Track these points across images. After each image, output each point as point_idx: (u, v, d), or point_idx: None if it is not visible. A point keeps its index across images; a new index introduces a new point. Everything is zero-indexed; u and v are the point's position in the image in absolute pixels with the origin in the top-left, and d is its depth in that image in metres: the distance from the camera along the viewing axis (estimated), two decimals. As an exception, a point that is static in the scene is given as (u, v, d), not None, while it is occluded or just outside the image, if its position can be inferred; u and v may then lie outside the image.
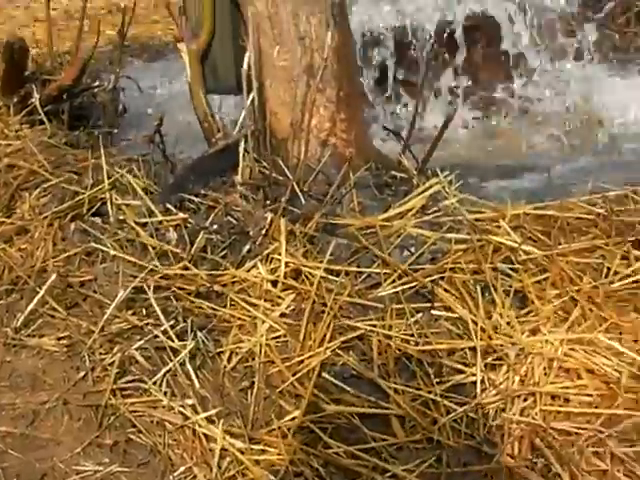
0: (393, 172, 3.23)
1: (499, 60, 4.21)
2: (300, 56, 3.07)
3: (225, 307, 2.60)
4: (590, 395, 2.24)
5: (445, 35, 3.97)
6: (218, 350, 2.48)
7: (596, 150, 3.89)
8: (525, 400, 2.24)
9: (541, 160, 3.78)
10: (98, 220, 3.00)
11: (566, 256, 2.69)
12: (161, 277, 2.69)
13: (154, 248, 2.82)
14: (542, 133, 3.99)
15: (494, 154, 3.81)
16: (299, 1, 3.05)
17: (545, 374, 2.28)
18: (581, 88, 4.37)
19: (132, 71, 5.09)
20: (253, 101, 3.07)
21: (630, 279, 2.61)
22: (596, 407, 2.21)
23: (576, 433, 2.15)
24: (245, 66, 2.97)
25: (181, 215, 2.92)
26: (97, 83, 4.23)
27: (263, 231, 2.77)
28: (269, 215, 2.80)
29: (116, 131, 3.84)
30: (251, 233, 2.77)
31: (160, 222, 2.93)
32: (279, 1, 3.05)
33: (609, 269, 2.64)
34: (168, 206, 2.96)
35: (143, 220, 2.94)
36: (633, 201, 2.93)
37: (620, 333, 2.44)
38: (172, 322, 2.53)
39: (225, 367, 2.43)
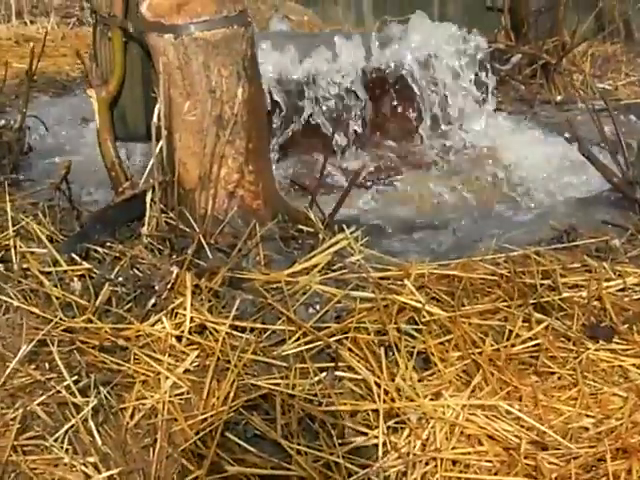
0: (300, 226, 3.24)
1: (406, 114, 4.26)
2: (210, 108, 3.07)
3: (129, 362, 2.58)
4: (490, 461, 2.26)
5: (352, 88, 4.00)
6: (121, 406, 2.45)
7: (501, 207, 3.95)
8: (426, 465, 2.25)
9: (447, 215, 3.82)
10: (1, 268, 2.95)
11: (469, 318, 2.73)
12: (65, 330, 2.66)
13: (58, 298, 2.79)
14: (448, 188, 4.04)
15: (400, 209, 3.84)
16: (211, 53, 3.05)
17: (447, 439, 2.31)
18: (487, 142, 4.45)
19: (38, 107, 5.04)
20: (162, 151, 3.06)
21: (531, 342, 2.66)
22: (495, 474, 2.24)
23: (476, 500, 2.17)
24: (155, 117, 2.97)
25: (86, 265, 2.90)
26: (2, 122, 4.17)
27: (169, 285, 2.75)
28: (175, 269, 2.78)
29: (22, 177, 3.77)
30: (157, 287, 2.75)
31: (65, 272, 2.89)
32: (191, 52, 3.05)
33: (511, 332, 2.69)
34: (73, 255, 2.93)
35: (47, 269, 2.90)
36: (535, 262, 2.99)
37: (520, 398, 2.48)
38: (75, 377, 2.49)
39: (128, 424, 2.40)
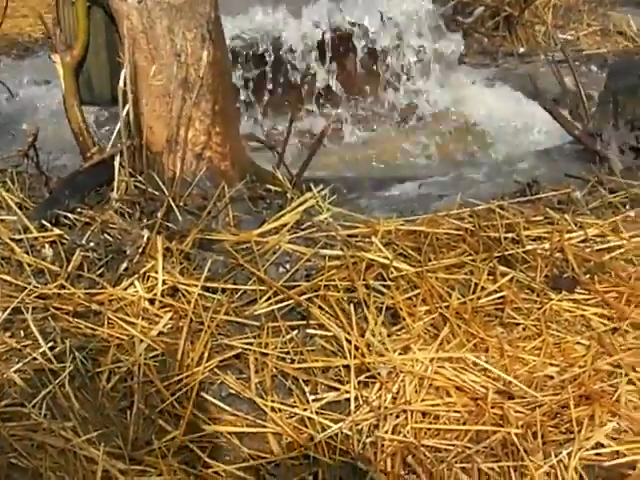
0: (268, 185, 3.28)
1: (371, 70, 4.29)
2: (176, 71, 3.09)
3: (103, 326, 2.61)
4: (458, 412, 2.33)
5: (318, 46, 4.02)
6: (97, 370, 2.49)
7: (465, 161, 4.00)
8: (397, 417, 2.32)
9: (413, 170, 3.87)
10: (-29, 237, 2.98)
11: (436, 272, 2.79)
12: (38, 297, 2.69)
13: (30, 265, 2.82)
14: (413, 142, 4.08)
15: (367, 165, 3.89)
16: (175, 16, 3.07)
17: (416, 392, 2.37)
18: (451, 96, 4.48)
19: (1, 70, 5.03)
20: (128, 115, 3.08)
21: (496, 295, 2.72)
22: (464, 424, 2.30)
23: (445, 450, 2.24)
24: (121, 82, 2.99)
25: (57, 231, 2.92)
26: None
27: (140, 249, 2.79)
28: (146, 233, 2.82)
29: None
30: (128, 251, 2.79)
31: (35, 238, 2.92)
32: (154, 16, 3.07)
33: (476, 285, 2.75)
34: (43, 222, 2.95)
35: (18, 237, 2.93)
36: (499, 216, 3.04)
37: (487, 349, 2.55)
38: (51, 344, 2.53)
39: (104, 387, 2.44)
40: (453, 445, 2.23)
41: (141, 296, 2.70)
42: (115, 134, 3.15)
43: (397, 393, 2.37)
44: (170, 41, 3.09)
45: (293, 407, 2.39)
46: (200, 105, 3.15)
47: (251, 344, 2.56)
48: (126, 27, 3.06)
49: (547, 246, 2.92)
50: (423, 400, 2.35)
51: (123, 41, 3.08)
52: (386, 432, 2.28)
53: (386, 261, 2.78)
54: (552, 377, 2.46)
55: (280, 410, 2.37)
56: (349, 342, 2.51)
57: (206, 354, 2.52)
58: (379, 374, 2.41)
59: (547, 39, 6.08)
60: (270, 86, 4.01)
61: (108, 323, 2.63)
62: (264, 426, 2.33)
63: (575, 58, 5.17)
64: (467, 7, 6.01)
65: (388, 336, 2.54)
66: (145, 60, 3.11)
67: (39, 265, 2.82)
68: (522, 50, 5.85)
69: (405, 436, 2.26)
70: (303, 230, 3.01)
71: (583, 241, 2.96)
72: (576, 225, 3.03)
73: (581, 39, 6.30)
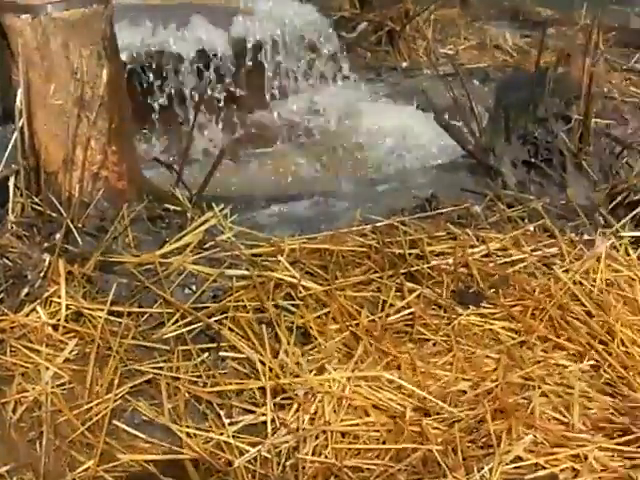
0: (166, 205, 3.23)
1: (260, 87, 4.27)
2: (72, 89, 3.02)
3: (6, 354, 2.53)
4: (378, 431, 2.33)
5: (209, 62, 3.98)
6: (2, 400, 2.41)
7: (360, 177, 4.01)
8: (317, 439, 2.30)
9: (308, 187, 3.86)
10: None
11: (344, 290, 2.79)
12: (-63, 324, 2.60)
13: None
14: (307, 159, 4.08)
15: (263, 182, 3.87)
16: (70, 33, 3.00)
17: (334, 412, 2.36)
18: (341, 111, 4.50)
19: None
20: (23, 134, 3.00)
21: (405, 311, 2.74)
22: (384, 443, 2.30)
23: (368, 469, 2.23)
24: (18, 101, 2.91)
25: (-49, 255, 2.82)
26: None
27: (42, 274, 2.71)
28: (47, 257, 2.75)
29: None
30: (29, 276, 2.71)
31: None
32: (49, 32, 2.98)
33: (385, 302, 2.76)
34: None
35: None
36: (402, 232, 3.06)
37: (399, 366, 2.55)
38: (-45, 373, 2.44)
39: (11, 418, 2.37)
40: (375, 465, 2.23)
41: (44, 322, 2.63)
42: (7, 154, 3.05)
43: (315, 414, 2.36)
44: (65, 58, 3.01)
45: (209, 432, 2.35)
46: (96, 124, 3.08)
47: (162, 369, 2.52)
48: (19, 44, 2.97)
49: (451, 261, 2.94)
50: (342, 420, 2.34)
51: (16, 58, 2.98)
52: (306, 454, 2.26)
53: (294, 280, 2.77)
54: (465, 392, 2.48)
55: (196, 435, 2.34)
56: (263, 363, 2.49)
57: (116, 380, 2.47)
58: (296, 395, 2.39)
59: (428, 53, 6.14)
60: (162, 102, 3.94)
61: (11, 351, 2.55)
62: (180, 452, 2.29)
63: (456, 73, 5.23)
64: (350, 22, 6.04)
65: (302, 356, 2.52)
66: (40, 78, 3.02)
67: None
68: (405, 65, 5.89)
69: (326, 457, 2.25)
70: (206, 250, 2.98)
71: (486, 255, 2.99)
72: (478, 240, 3.07)
73: (460, 53, 6.38)
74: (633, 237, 3.12)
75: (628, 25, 8.58)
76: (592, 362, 2.58)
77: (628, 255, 3.02)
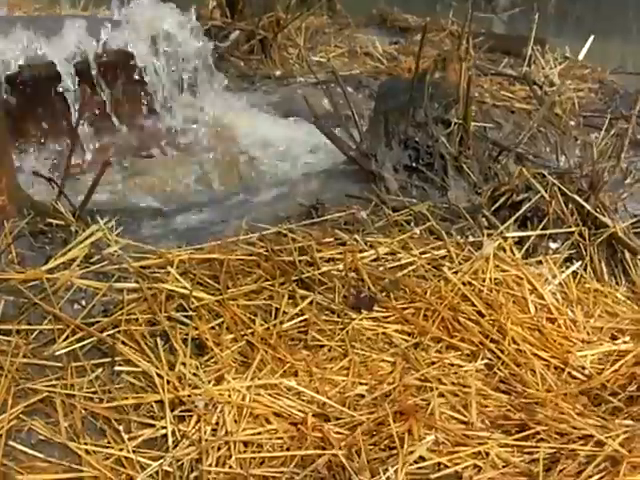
0: (49, 219, 3.17)
1: (138, 97, 4.22)
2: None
3: None
4: (281, 438, 2.33)
5: (84, 72, 3.91)
6: None
7: (241, 186, 4.01)
8: (220, 449, 2.29)
9: (190, 197, 3.84)
10: None
11: (237, 300, 2.78)
12: None
13: None
14: (187, 169, 4.05)
15: (144, 193, 3.83)
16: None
17: (236, 422, 2.35)
18: (220, 121, 4.48)
19: None
20: None
21: (298, 318, 2.75)
22: (288, 449, 2.30)
23: (273, 477, 2.23)
24: None
25: None
26: None
27: None
28: None
29: None
30: None
31: None
32: None
33: (278, 309, 2.77)
34: None
35: None
36: (291, 240, 3.06)
37: (296, 373, 2.56)
38: None
39: None
40: (281, 472, 2.24)
41: None
42: None
43: (217, 424, 2.35)
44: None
45: (108, 448, 2.32)
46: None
47: (56, 386, 2.47)
48: None
49: (341, 267, 2.96)
50: (244, 429, 2.34)
51: None
52: (210, 465, 2.25)
53: (185, 291, 2.76)
54: (363, 396, 2.51)
55: (95, 452, 2.31)
56: (160, 376, 2.47)
57: (10, 400, 2.41)
58: (196, 407, 2.37)
59: (301, 61, 6.18)
60: (38, 113, 3.86)
61: None
62: (80, 470, 2.26)
63: (330, 80, 5.27)
64: (222, 31, 6.04)
65: (199, 367, 2.51)
66: None
67: None
68: (278, 73, 5.91)
69: (231, 467, 2.24)
70: (93, 264, 2.93)
71: (375, 260, 3.03)
72: (366, 244, 3.10)
73: (331, 60, 6.44)
74: (517, 237, 3.19)
75: (492, 30, 8.83)
76: (486, 361, 2.64)
77: (514, 255, 3.08)
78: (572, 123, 5.59)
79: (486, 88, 5.80)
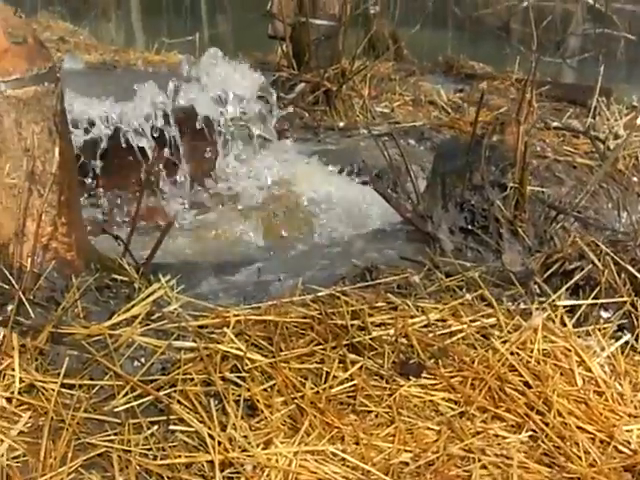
0: (114, 275, 3.31)
1: (203, 153, 4.37)
2: (24, 165, 3.10)
3: (-40, 428, 2.59)
4: (324, 505, 2.42)
5: (151, 129, 4.07)
6: (-44, 473, 2.46)
7: (299, 242, 4.12)
8: (264, 513, 2.39)
9: (248, 253, 3.96)
10: None
11: (288, 362, 2.88)
12: None
13: None
14: (246, 225, 4.18)
15: (205, 248, 3.95)
16: (22, 110, 3.08)
17: (282, 486, 2.45)
18: (281, 174, 4.60)
19: None
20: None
21: (348, 383, 2.84)
22: (330, 516, 2.39)
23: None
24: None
25: None
26: None
27: (-4, 348, 2.78)
28: (2, 331, 2.81)
29: None
30: (-16, 350, 2.77)
31: None
32: (2, 110, 3.07)
33: (328, 373, 2.86)
34: None
35: None
36: (344, 303, 3.16)
37: (343, 438, 2.65)
38: None
39: (-35, 491, 2.42)
40: (322, 538, 2.31)
41: (-1, 395, 2.69)
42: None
43: (263, 488, 2.44)
44: (18, 134, 3.09)
45: (160, 504, 2.42)
46: (47, 197, 3.15)
47: (113, 442, 2.58)
48: (-27, 119, 3.05)
49: (392, 332, 3.05)
50: (289, 494, 2.42)
51: (-32, 133, 3.06)
52: (254, 528, 2.34)
53: (240, 352, 2.86)
54: (408, 464, 2.57)
55: (147, 508, 2.41)
56: (211, 437, 2.56)
57: (69, 453, 2.52)
58: (244, 469, 2.47)
59: (365, 112, 6.29)
60: (108, 170, 4.03)
61: (-35, 424, 2.61)
62: (133, 526, 2.36)
63: (393, 132, 5.38)
64: (288, 82, 6.18)
65: (249, 429, 2.61)
66: (-9, 152, 3.10)
67: None
68: (342, 124, 6.03)
69: (275, 531, 2.33)
70: (154, 322, 3.06)
71: (426, 326, 3.11)
72: (418, 310, 3.18)
73: (395, 110, 6.54)
74: (568, 306, 3.25)
75: (560, 77, 8.83)
76: (530, 433, 2.69)
77: (564, 325, 3.15)
78: (635, 179, 5.60)
79: (548, 142, 5.84)
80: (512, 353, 2.99)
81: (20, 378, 2.74)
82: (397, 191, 4.28)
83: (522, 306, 3.29)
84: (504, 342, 3.04)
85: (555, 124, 6.20)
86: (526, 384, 2.88)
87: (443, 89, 7.04)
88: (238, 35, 11.12)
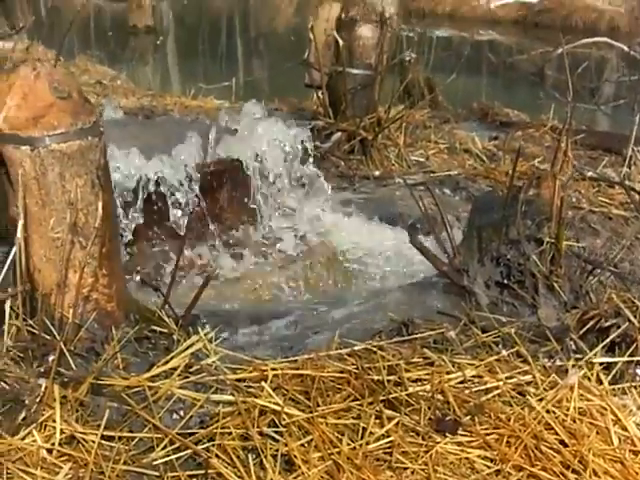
0: (153, 326, 3.36)
1: (242, 204, 4.43)
2: (67, 217, 3.15)
3: (3, 477, 2.63)
4: None
5: (189, 182, 4.13)
6: (0, 526, 2.50)
7: (336, 294, 4.15)
8: None
9: (284, 304, 4.00)
10: None
11: (325, 418, 2.91)
12: None
13: None
14: (284, 275, 4.22)
15: (242, 299, 4.00)
16: (66, 164, 3.14)
17: None
18: (317, 225, 4.65)
19: None
20: (20, 261, 3.13)
21: (384, 440, 2.86)
22: None
23: None
24: (19, 231, 3.05)
25: (-54, 378, 2.93)
26: None
27: (38, 399, 2.82)
28: (43, 382, 2.86)
29: None
30: (27, 401, 2.82)
31: None
32: (47, 163, 3.13)
33: (364, 429, 2.88)
34: None
35: None
36: (381, 357, 3.19)
37: (380, 495, 2.67)
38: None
39: (8, 543, 2.46)
40: None
41: (40, 446, 2.73)
42: (1, 279, 3.17)
43: None
44: (61, 187, 3.15)
45: None
46: (89, 249, 3.20)
47: (151, 496, 2.61)
48: (19, 173, 3.11)
49: (428, 388, 3.07)
50: None
51: (15, 187, 3.12)
52: None
53: (277, 407, 2.89)
54: (443, 523, 2.59)
55: None
56: (249, 493, 2.59)
57: (109, 508, 2.56)
58: (282, 526, 2.49)
59: (400, 161, 6.33)
60: (144, 222, 4.10)
61: (7, 474, 2.65)
62: None
63: (428, 181, 5.42)
64: (324, 131, 6.23)
65: (286, 486, 2.64)
66: (36, 205, 3.16)
67: None
68: (377, 173, 6.07)
69: None
70: (192, 374, 3.10)
71: (462, 382, 3.13)
72: (454, 366, 3.20)
73: (430, 158, 6.57)
74: (604, 363, 3.26)
75: (594, 125, 8.84)
76: (565, 492, 2.70)
77: (600, 383, 3.16)
78: (671, 231, 5.58)
79: (584, 192, 5.84)
80: (548, 411, 3.00)
81: (61, 429, 2.79)
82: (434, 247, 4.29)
83: (558, 363, 3.30)
84: (540, 400, 3.05)
85: (590, 174, 6.19)
86: (562, 442, 2.89)
87: (478, 137, 7.06)
88: (274, 81, 11.23)
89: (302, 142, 4.63)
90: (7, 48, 8.69)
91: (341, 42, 6.19)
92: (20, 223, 3.08)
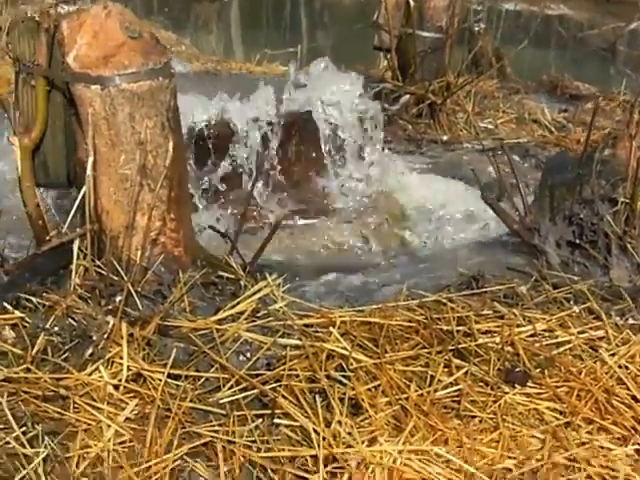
0: (220, 272, 3.34)
1: (310, 158, 4.39)
2: (136, 158, 3.14)
3: (70, 411, 2.63)
4: (428, 504, 2.41)
5: (263, 132, 4.11)
6: (66, 455, 2.50)
7: (403, 250, 4.11)
8: (368, 508, 2.38)
9: (354, 258, 3.97)
10: None
11: (393, 364, 2.87)
12: (4, 380, 2.70)
13: (-9, 348, 2.83)
14: (350, 230, 4.19)
15: (308, 252, 3.97)
16: (137, 104, 3.13)
17: (385, 484, 2.44)
18: (384, 184, 4.60)
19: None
20: (89, 200, 3.12)
21: (452, 388, 2.82)
22: (434, 517, 2.38)
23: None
24: (89, 168, 3.03)
25: (18, 314, 2.93)
26: None
27: (105, 335, 2.82)
28: (111, 319, 2.85)
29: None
30: (94, 337, 2.81)
31: (-4, 321, 2.93)
32: (117, 103, 3.11)
33: (433, 377, 2.84)
34: (4, 304, 2.96)
35: (-21, 319, 2.93)
36: (450, 309, 3.15)
37: (446, 441, 2.63)
38: (23, 428, 2.53)
39: (74, 472, 2.45)
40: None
41: (107, 382, 2.73)
42: (70, 218, 3.17)
43: (366, 484, 2.43)
44: (131, 128, 3.14)
45: (263, 496, 2.43)
46: (158, 192, 3.19)
47: (218, 432, 2.60)
48: (89, 113, 3.10)
49: (498, 340, 3.02)
50: (393, 492, 2.41)
51: (84, 127, 3.11)
52: (358, 523, 2.33)
53: (345, 352, 2.86)
54: (511, 470, 2.55)
55: (250, 499, 2.41)
56: (316, 432, 2.56)
57: (175, 441, 2.55)
58: (348, 465, 2.46)
59: (468, 127, 6.27)
60: (214, 170, 4.08)
61: (74, 408, 2.65)
62: (236, 515, 2.37)
63: (497, 148, 5.35)
64: (393, 93, 6.17)
65: (354, 427, 2.60)
66: (105, 146, 3.15)
67: (1, 348, 2.82)
68: (445, 138, 6.01)
69: (378, 527, 2.32)
70: (259, 319, 3.08)
71: (532, 335, 3.07)
72: (524, 319, 3.14)
73: (499, 127, 6.50)
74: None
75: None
76: (637, 446, 2.64)
77: (673, 340, 3.09)
78: None
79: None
80: (620, 366, 2.94)
81: (128, 366, 2.78)
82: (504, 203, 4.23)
83: (631, 321, 3.23)
84: (612, 355, 2.99)
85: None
86: (634, 398, 2.83)
87: (547, 108, 6.97)
88: (339, 48, 11.15)
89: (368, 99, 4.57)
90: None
91: (412, 3, 6.10)
92: (90, 160, 3.06)
